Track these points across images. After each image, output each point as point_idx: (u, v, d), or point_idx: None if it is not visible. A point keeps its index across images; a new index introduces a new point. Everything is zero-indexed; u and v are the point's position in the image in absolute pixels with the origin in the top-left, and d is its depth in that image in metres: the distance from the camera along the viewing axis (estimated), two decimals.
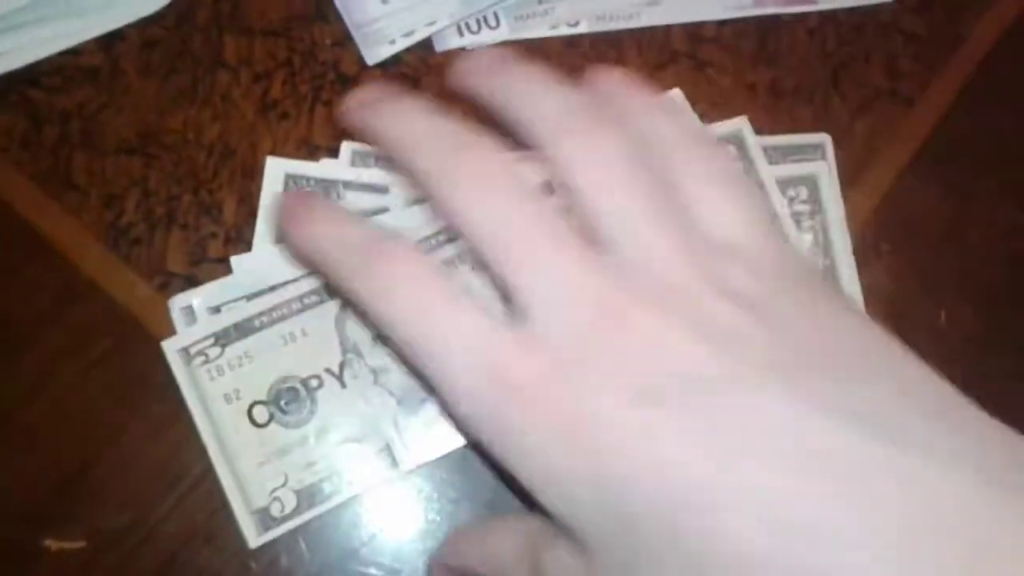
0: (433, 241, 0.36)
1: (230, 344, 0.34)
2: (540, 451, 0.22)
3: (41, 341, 0.34)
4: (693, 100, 0.40)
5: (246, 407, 0.34)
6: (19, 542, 0.32)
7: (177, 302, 0.35)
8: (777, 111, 0.41)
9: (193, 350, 0.34)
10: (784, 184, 0.39)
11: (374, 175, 0.36)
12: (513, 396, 0.22)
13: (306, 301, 0.35)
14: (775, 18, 0.42)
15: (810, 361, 0.21)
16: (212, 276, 0.35)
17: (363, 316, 0.34)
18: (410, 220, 0.36)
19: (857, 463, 0.19)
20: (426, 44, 0.39)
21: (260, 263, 0.35)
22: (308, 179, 0.36)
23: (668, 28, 0.41)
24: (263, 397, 0.34)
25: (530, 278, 0.22)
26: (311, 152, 0.37)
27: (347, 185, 0.36)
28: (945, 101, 0.42)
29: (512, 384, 0.22)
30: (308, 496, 0.33)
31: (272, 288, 0.35)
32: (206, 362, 0.34)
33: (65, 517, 0.33)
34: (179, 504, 0.34)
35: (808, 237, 0.39)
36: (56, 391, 0.34)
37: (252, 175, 0.37)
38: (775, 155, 0.40)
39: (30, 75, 0.37)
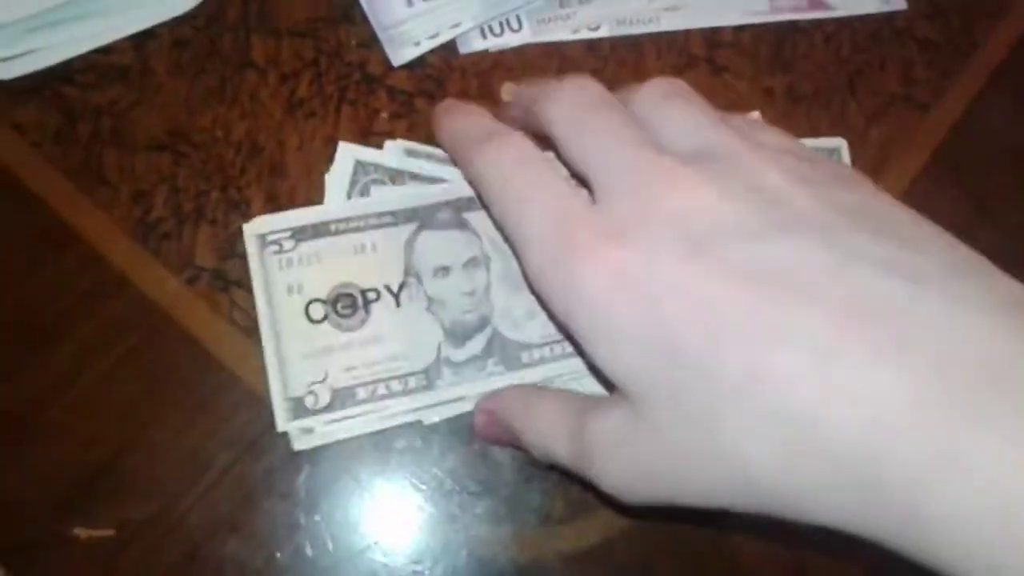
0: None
1: (304, 241, 0.36)
2: (597, 302, 0.24)
3: (72, 334, 0.35)
4: (713, 103, 0.41)
5: (305, 301, 0.35)
6: (50, 530, 0.33)
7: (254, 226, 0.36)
8: (794, 116, 0.41)
9: (270, 238, 0.35)
10: None
11: (428, 167, 0.38)
12: (577, 248, 0.25)
13: (383, 219, 0.36)
14: (792, 24, 0.43)
15: (849, 222, 0.23)
16: (241, 271, 0.36)
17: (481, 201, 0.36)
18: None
19: (889, 303, 0.21)
20: (450, 46, 0.40)
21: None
22: (376, 166, 0.37)
23: (687, 33, 0.42)
24: (322, 296, 0.35)
25: (604, 160, 0.26)
26: (335, 149, 0.38)
27: (412, 176, 0.38)
28: (959, 107, 0.43)
29: (577, 238, 0.25)
30: (342, 397, 0.35)
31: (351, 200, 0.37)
32: (279, 252, 0.35)
33: (94, 506, 0.33)
34: (205, 495, 0.34)
35: None
36: (87, 384, 0.35)
37: (279, 172, 0.38)
38: None
39: (64, 72, 0.37)
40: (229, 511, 0.34)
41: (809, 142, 0.40)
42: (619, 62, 0.41)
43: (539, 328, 0.36)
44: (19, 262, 0.36)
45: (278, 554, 0.34)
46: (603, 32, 0.42)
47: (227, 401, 0.35)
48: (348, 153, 0.38)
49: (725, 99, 0.41)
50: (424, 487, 0.36)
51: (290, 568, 0.34)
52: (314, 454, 0.35)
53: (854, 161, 0.41)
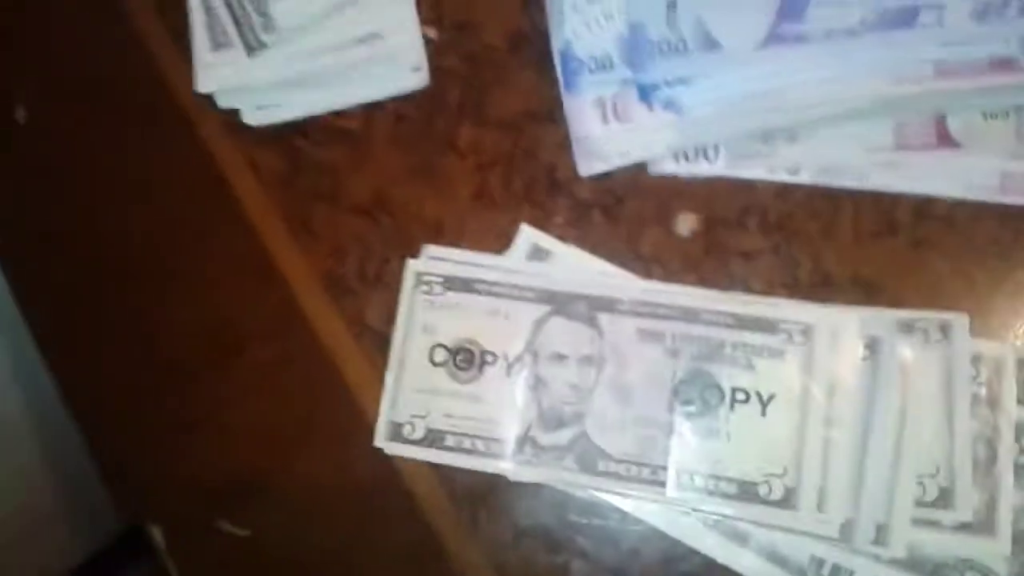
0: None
1: (452, 290, 0.41)
2: None
3: (259, 352, 0.42)
4: (901, 278, 0.39)
5: (432, 344, 0.40)
6: (198, 517, 0.40)
7: (429, 251, 0.41)
8: (990, 312, 0.38)
9: (425, 278, 0.41)
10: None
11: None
12: None
13: (524, 294, 0.40)
14: (1021, 211, 0.39)
15: None
16: None
17: None
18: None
19: None
20: (640, 165, 0.41)
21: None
22: (549, 253, 0.41)
23: (896, 196, 0.39)
24: (448, 344, 0.40)
25: None
26: (507, 244, 0.41)
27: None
28: None
29: None
30: (433, 437, 0.39)
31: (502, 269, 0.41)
32: (428, 293, 0.41)
33: (240, 507, 0.40)
34: (326, 530, 0.40)
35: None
36: (260, 398, 0.41)
37: None
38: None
39: (302, 127, 0.43)
40: (341, 549, 0.40)
41: (999, 346, 0.37)
42: (811, 214, 0.40)
43: (624, 444, 0.38)
44: (228, 281, 0.43)
45: None
46: (802, 178, 0.40)
47: (359, 450, 0.40)
48: (528, 237, 0.41)
49: (917, 279, 0.39)
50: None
51: None
52: (417, 522, 0.39)
53: None
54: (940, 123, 0.40)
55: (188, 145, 0.44)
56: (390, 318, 0.41)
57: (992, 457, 0.36)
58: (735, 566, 0.37)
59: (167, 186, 0.44)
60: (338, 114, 0.43)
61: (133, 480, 0.42)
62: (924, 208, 0.39)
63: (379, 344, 0.41)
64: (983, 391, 0.37)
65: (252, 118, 0.43)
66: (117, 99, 0.45)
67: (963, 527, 0.36)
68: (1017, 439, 0.36)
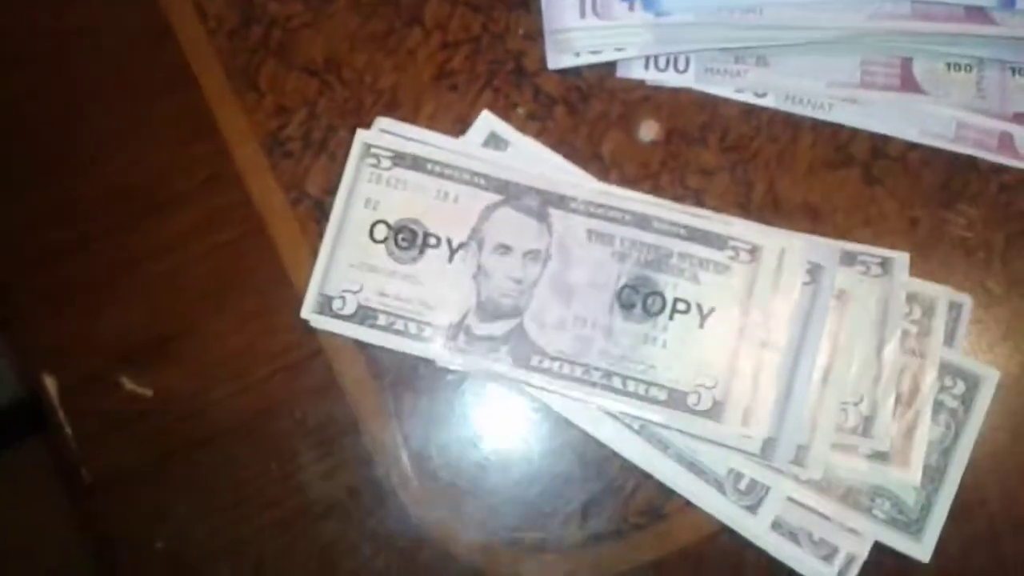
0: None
1: (400, 166, 0.38)
2: None
3: (180, 212, 0.39)
4: (848, 212, 0.39)
5: (374, 219, 0.38)
6: (102, 371, 0.37)
7: (381, 123, 0.39)
8: (930, 255, 0.39)
9: (373, 151, 0.38)
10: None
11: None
12: None
13: (475, 179, 0.38)
14: (971, 160, 0.39)
15: None
16: None
17: None
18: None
19: None
20: (609, 65, 0.40)
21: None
22: (506, 143, 0.39)
23: (854, 131, 0.40)
24: (390, 221, 0.38)
25: None
26: (463, 129, 0.39)
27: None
28: None
29: None
30: (363, 313, 0.38)
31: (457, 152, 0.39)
32: (375, 166, 0.38)
33: (144, 367, 0.38)
34: (236, 394, 0.38)
35: (938, 431, 0.38)
36: (180, 259, 0.39)
37: None
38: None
39: None
40: (250, 416, 0.38)
41: (932, 288, 0.38)
42: (770, 138, 0.40)
43: (560, 341, 0.37)
44: (158, 133, 0.40)
45: (274, 466, 0.37)
46: (767, 101, 0.40)
47: (283, 320, 0.38)
48: (487, 123, 0.39)
49: (865, 214, 0.39)
50: (414, 465, 0.38)
51: (279, 483, 0.38)
52: (338, 395, 0.38)
53: (972, 325, 0.38)
54: (906, 66, 0.40)
55: None
56: (331, 188, 0.39)
57: (914, 392, 0.37)
58: (655, 472, 0.37)
59: (110, 32, 0.40)
60: None
61: (29, 329, 0.38)
62: (880, 147, 0.40)
63: (316, 214, 0.39)
64: (914, 329, 0.38)
65: None
66: None
67: (878, 456, 0.37)
68: (939, 378, 0.37)
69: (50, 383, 0.37)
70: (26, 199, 0.39)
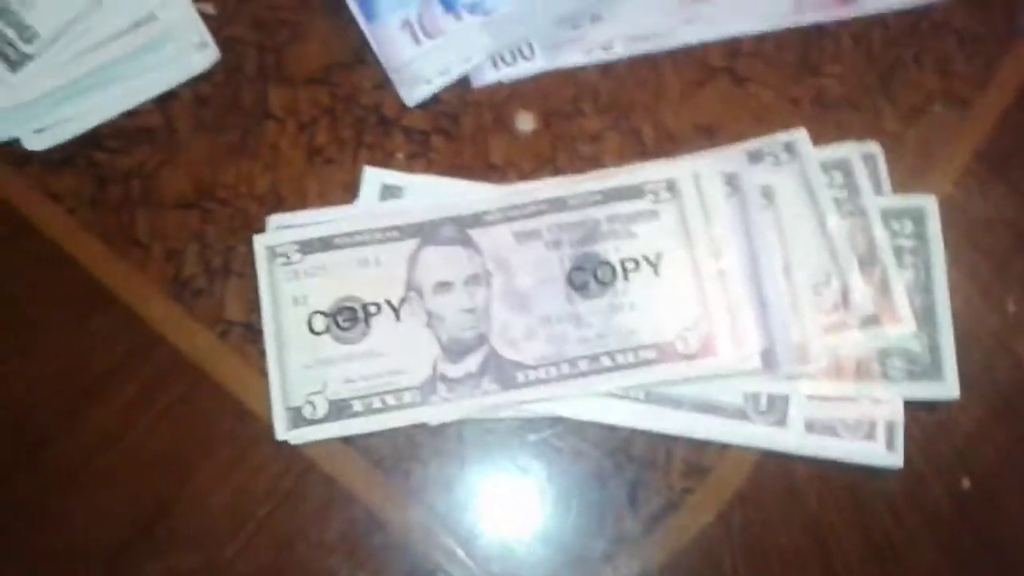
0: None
1: (311, 253, 0.37)
2: None
3: (115, 391, 0.37)
4: (735, 117, 0.40)
5: (308, 313, 0.37)
6: None
7: (274, 221, 0.38)
8: (824, 123, 0.40)
9: (279, 250, 0.37)
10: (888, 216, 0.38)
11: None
12: None
13: (388, 234, 0.37)
14: (818, 27, 0.41)
15: None
16: None
17: None
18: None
19: None
20: (463, 81, 0.40)
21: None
22: (401, 189, 0.38)
23: (705, 46, 0.41)
24: (325, 308, 0.37)
25: None
26: (355, 195, 0.38)
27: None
28: (1004, 100, 0.40)
29: None
30: (338, 409, 0.36)
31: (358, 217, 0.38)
32: (287, 263, 0.37)
33: (144, 558, 0.35)
34: (248, 544, 0.35)
35: (909, 274, 0.38)
36: (132, 438, 0.36)
37: None
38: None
39: (93, 139, 0.39)
40: (271, 558, 0.35)
41: (841, 148, 0.39)
42: (637, 82, 0.40)
43: (536, 348, 0.36)
44: (61, 325, 0.37)
45: None
46: (618, 51, 0.41)
47: (263, 452, 0.36)
48: (375, 178, 0.39)
49: (749, 111, 0.40)
50: (457, 531, 0.36)
51: None
52: (348, 499, 0.36)
53: (890, 166, 0.39)
54: None
55: None
56: (252, 307, 0.37)
57: (871, 249, 0.38)
58: (679, 431, 0.36)
59: None
60: (131, 114, 0.39)
61: (13, 563, 0.35)
62: (734, 48, 0.41)
63: (249, 336, 0.37)
64: (843, 193, 0.39)
65: (36, 142, 0.38)
66: None
67: (868, 320, 0.37)
68: (886, 226, 0.38)
69: None
70: None
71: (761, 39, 0.41)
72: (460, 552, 0.36)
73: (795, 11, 0.41)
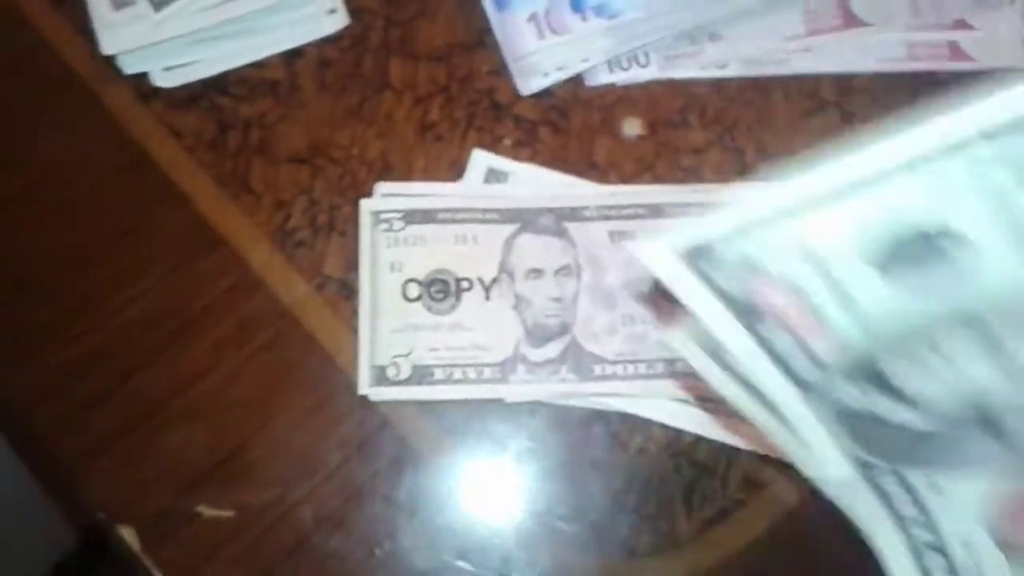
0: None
1: (413, 224, 0.39)
2: None
3: (211, 328, 0.38)
4: (837, 151, 0.41)
5: (403, 280, 0.38)
6: (177, 506, 0.36)
7: (382, 188, 0.40)
8: None
9: (383, 216, 0.39)
10: None
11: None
12: None
13: (488, 215, 0.39)
14: (930, 74, 0.42)
15: None
16: None
17: None
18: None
19: None
20: (577, 79, 0.41)
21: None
22: (505, 174, 0.40)
23: (818, 77, 0.42)
24: (420, 277, 0.38)
25: None
26: (460, 174, 0.40)
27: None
28: None
29: None
30: (420, 373, 0.37)
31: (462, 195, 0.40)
32: (388, 230, 0.39)
33: (218, 489, 0.37)
34: (316, 490, 0.37)
35: None
36: (220, 376, 0.38)
37: None
38: None
39: (220, 84, 0.41)
40: (337, 507, 0.37)
41: None
42: (746, 103, 0.41)
43: (616, 344, 0.38)
44: (168, 258, 0.39)
45: (377, 551, 0.37)
46: (731, 71, 0.42)
47: (343, 404, 0.38)
48: (482, 160, 0.40)
49: (852, 147, 0.41)
50: (516, 509, 0.37)
51: (386, 565, 0.37)
52: (418, 461, 0.37)
53: None
54: (843, 4, 0.43)
55: (98, 122, 0.40)
56: (351, 265, 0.39)
57: None
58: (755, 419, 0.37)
59: (84, 172, 0.40)
60: (258, 66, 0.41)
61: (92, 484, 0.37)
62: (845, 84, 0.42)
63: (344, 293, 0.39)
64: None
65: (164, 80, 0.40)
66: (7, 86, 0.41)
67: None
68: None
69: (128, 534, 0.36)
70: (48, 358, 0.38)
71: (873, 78, 0.42)
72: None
73: (909, 58, 0.42)
